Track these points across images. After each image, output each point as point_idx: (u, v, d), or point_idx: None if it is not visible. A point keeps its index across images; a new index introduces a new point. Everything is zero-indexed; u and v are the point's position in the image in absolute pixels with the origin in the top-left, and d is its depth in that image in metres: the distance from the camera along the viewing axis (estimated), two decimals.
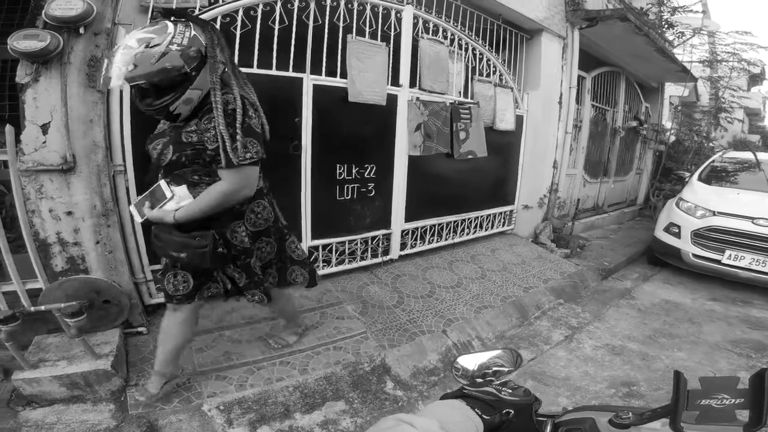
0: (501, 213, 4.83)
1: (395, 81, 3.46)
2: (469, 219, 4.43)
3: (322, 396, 2.17)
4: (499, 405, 0.57)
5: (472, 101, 4.07)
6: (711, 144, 9.74)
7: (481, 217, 4.57)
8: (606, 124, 6.88)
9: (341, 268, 3.41)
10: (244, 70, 2.63)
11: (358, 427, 2.05)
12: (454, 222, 4.29)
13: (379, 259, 3.64)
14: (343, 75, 3.09)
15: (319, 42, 2.93)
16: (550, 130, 5.16)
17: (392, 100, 3.42)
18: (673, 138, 9.02)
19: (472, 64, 4.07)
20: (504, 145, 4.60)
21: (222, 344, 2.40)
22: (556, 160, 5.33)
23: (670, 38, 7.76)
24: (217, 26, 2.49)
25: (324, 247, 3.30)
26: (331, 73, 3.07)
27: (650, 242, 5.20)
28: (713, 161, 5.72)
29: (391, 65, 3.35)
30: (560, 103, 5.17)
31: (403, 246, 3.84)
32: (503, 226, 4.91)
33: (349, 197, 3.35)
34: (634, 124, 7.47)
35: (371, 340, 2.66)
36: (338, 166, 3.23)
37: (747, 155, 5.59)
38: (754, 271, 4.07)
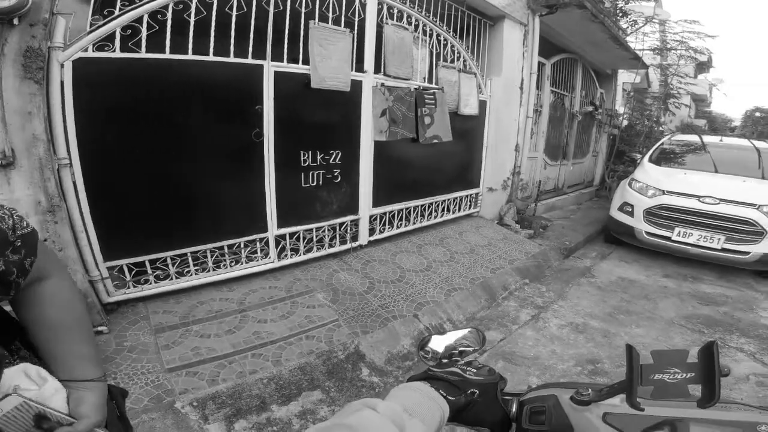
0: (467, 196, 4.95)
1: (360, 67, 3.42)
2: (436, 202, 4.51)
3: (298, 387, 2.17)
4: (464, 385, 0.59)
5: (436, 87, 4.10)
6: (661, 128, 10.32)
7: (448, 200, 4.67)
8: (564, 108, 7.14)
9: (310, 255, 3.38)
10: (198, 58, 2.53)
11: None
12: (422, 206, 4.35)
13: (348, 246, 3.64)
14: (306, 62, 3.01)
15: (281, 28, 2.83)
16: (512, 114, 5.30)
17: (357, 86, 3.38)
18: (626, 122, 9.50)
19: (436, 50, 4.08)
20: (468, 130, 4.68)
21: (190, 340, 2.34)
22: (518, 143, 5.49)
23: (624, 26, 8.08)
24: (169, 14, 2.36)
25: (291, 235, 3.25)
26: (293, 59, 2.98)
27: (606, 221, 5.49)
28: (662, 144, 6.07)
29: (355, 51, 3.29)
30: (521, 88, 5.31)
31: (371, 231, 3.86)
32: (469, 208, 5.03)
33: (315, 184, 3.31)
34: (590, 109, 7.80)
35: (344, 327, 2.68)
36: (302, 152, 3.17)
37: (693, 138, 5.97)
38: (702, 247, 4.39)
